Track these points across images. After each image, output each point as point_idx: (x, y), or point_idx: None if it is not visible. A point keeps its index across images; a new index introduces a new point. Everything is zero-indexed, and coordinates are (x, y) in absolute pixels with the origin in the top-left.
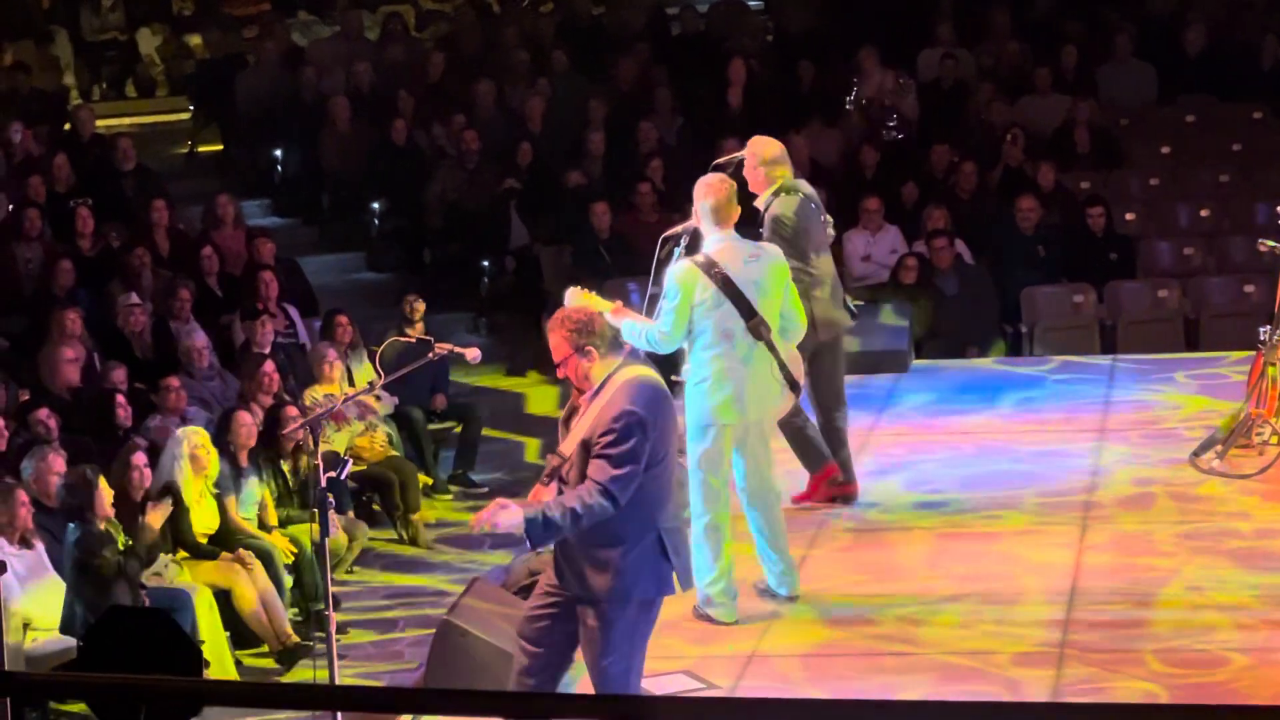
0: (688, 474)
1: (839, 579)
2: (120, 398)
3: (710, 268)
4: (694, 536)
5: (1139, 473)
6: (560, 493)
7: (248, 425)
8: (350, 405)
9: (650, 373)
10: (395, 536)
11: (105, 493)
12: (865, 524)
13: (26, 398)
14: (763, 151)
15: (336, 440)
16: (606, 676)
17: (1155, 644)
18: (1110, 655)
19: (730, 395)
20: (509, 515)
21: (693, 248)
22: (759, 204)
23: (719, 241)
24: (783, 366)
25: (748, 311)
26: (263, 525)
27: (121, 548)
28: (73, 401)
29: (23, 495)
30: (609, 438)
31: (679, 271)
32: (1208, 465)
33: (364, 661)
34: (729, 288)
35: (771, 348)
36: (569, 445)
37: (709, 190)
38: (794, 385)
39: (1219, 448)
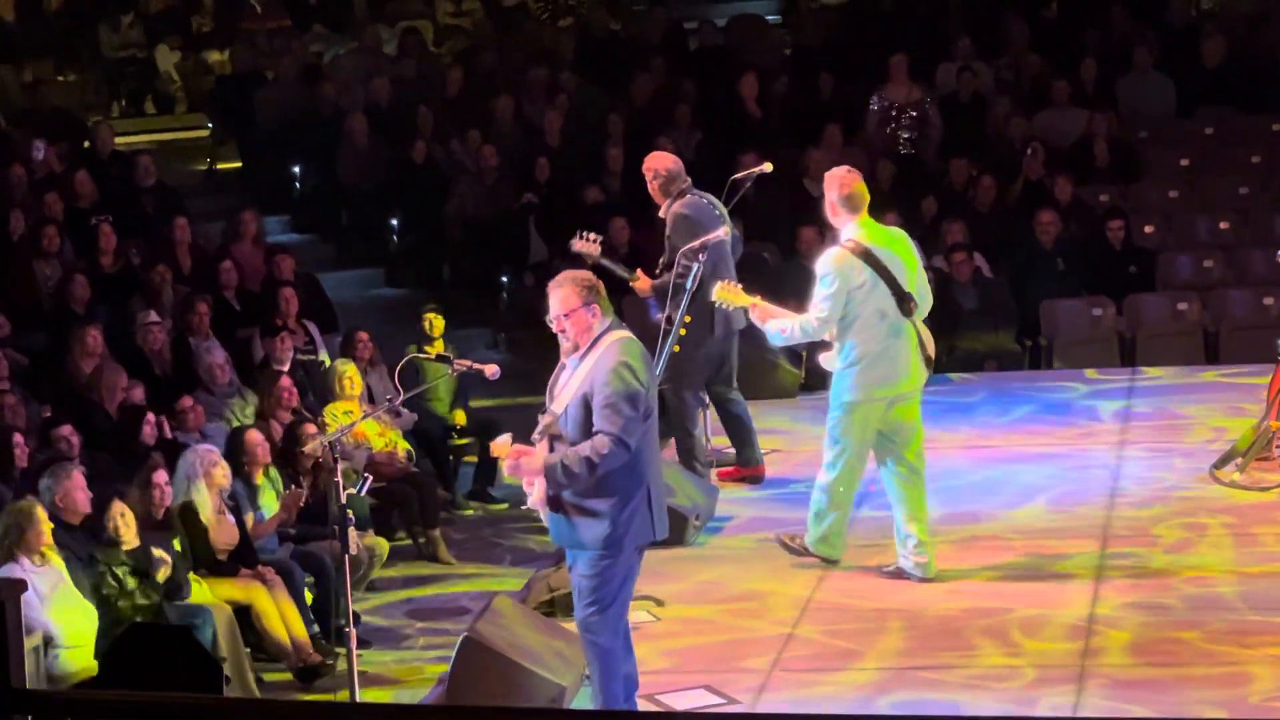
0: (830, 441)
1: (858, 595)
2: (150, 416)
3: (861, 250)
4: (820, 485)
5: (1158, 486)
6: (552, 449)
7: (260, 442)
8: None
9: (631, 335)
10: (415, 552)
11: (128, 516)
12: (881, 541)
13: (49, 414)
14: (659, 166)
15: (365, 426)
16: (587, 624)
17: (1172, 660)
18: (1129, 669)
19: (884, 372)
20: (530, 464)
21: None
22: (662, 213)
23: (859, 227)
24: (922, 342)
25: (899, 291)
26: (282, 541)
27: (132, 585)
28: (103, 420)
29: (42, 513)
30: (610, 389)
31: (834, 259)
32: (1228, 478)
33: (384, 678)
34: (882, 269)
35: (915, 324)
36: (560, 404)
37: (840, 181)
38: (928, 361)
39: (1239, 460)
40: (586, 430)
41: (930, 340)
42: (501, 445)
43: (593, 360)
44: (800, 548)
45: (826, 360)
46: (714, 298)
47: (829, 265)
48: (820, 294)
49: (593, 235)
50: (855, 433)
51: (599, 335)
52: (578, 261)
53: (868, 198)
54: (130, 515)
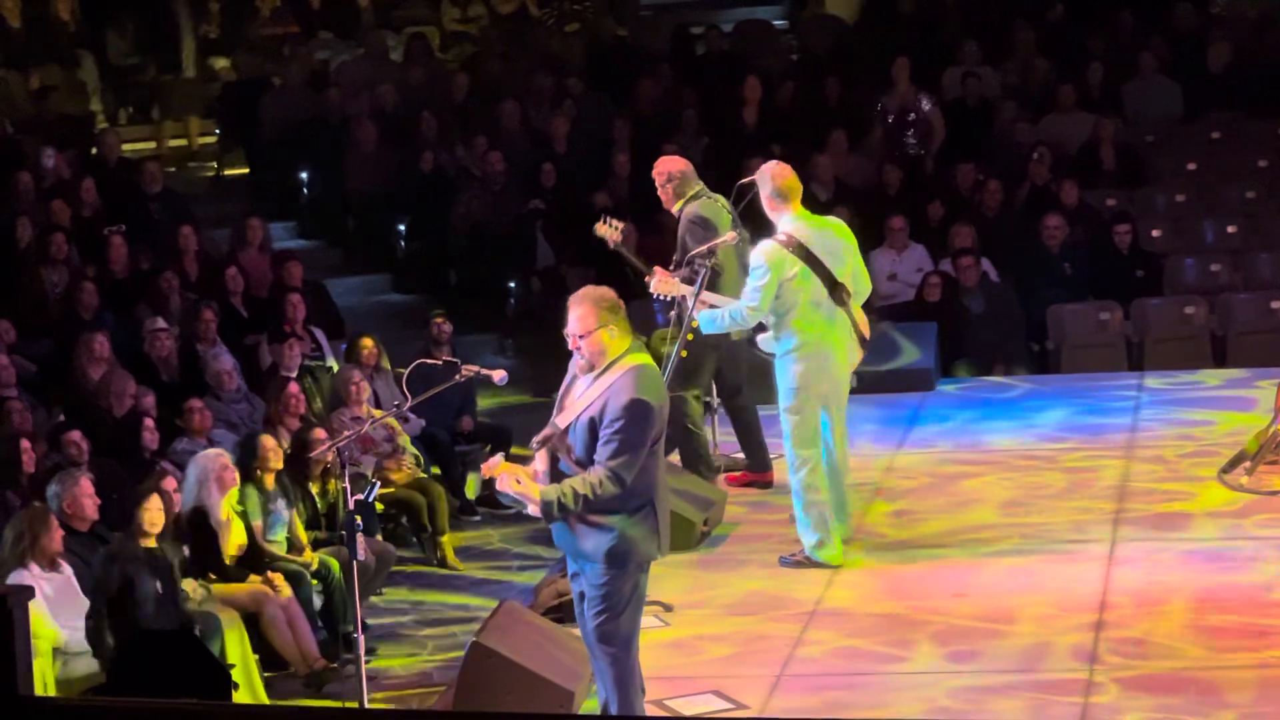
0: (785, 441)
1: (867, 599)
2: (148, 421)
3: (794, 244)
4: (794, 490)
5: (1167, 490)
6: (555, 461)
7: (273, 449)
8: (378, 428)
9: (650, 359)
10: (423, 558)
11: (155, 513)
12: (892, 544)
13: (62, 419)
14: (672, 169)
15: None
16: (602, 634)
17: (1184, 662)
18: (1139, 673)
19: (821, 360)
20: (526, 495)
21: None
22: (673, 211)
23: (794, 219)
24: (856, 326)
25: (830, 281)
26: (293, 547)
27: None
28: (108, 426)
29: (55, 519)
30: (619, 424)
31: (766, 251)
32: (1236, 482)
33: (392, 683)
34: (813, 260)
35: (849, 312)
36: (566, 418)
37: (774, 174)
38: (863, 341)
39: (1247, 464)
40: (592, 450)
41: (864, 322)
42: (492, 467)
43: (606, 384)
44: (803, 559)
45: (764, 342)
46: (652, 289)
47: (761, 258)
48: (751, 285)
49: (616, 221)
50: (802, 421)
51: (616, 359)
52: (588, 262)
53: (800, 188)
54: (160, 516)
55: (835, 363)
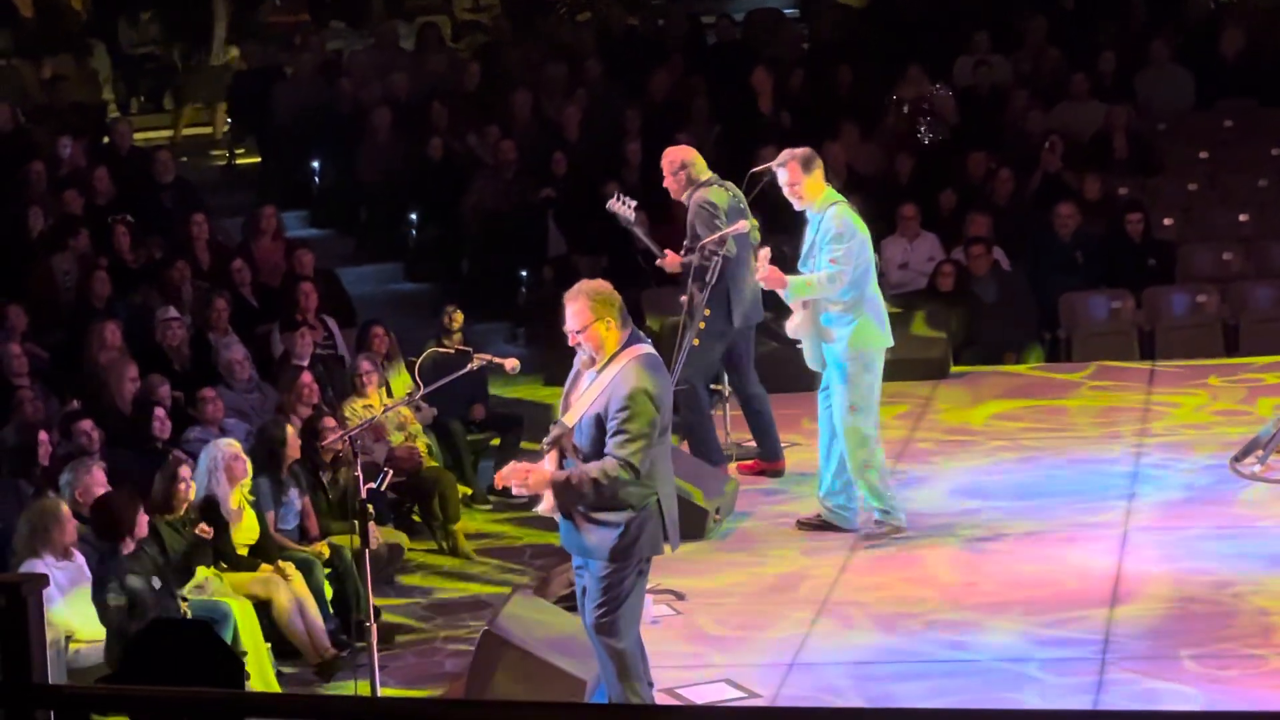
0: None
1: (880, 586)
2: (159, 410)
3: (855, 208)
4: (860, 465)
5: (1179, 478)
6: (562, 459)
7: (292, 438)
8: (390, 416)
9: (651, 348)
10: (435, 547)
11: (142, 517)
12: (905, 531)
13: (78, 406)
14: (685, 157)
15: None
16: (601, 627)
17: (1195, 649)
18: (1150, 661)
19: (884, 322)
20: (537, 481)
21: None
22: (683, 198)
23: (835, 192)
24: None
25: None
26: (304, 536)
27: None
28: (118, 414)
29: (68, 511)
30: (625, 414)
31: (846, 215)
32: (1249, 470)
33: (405, 673)
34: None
35: None
36: (573, 415)
37: (806, 154)
38: None
39: (1260, 453)
40: (599, 445)
41: None
42: (505, 477)
43: (609, 377)
44: (881, 528)
45: (792, 329)
46: (758, 273)
47: (840, 221)
48: (840, 250)
49: (630, 199)
50: (870, 387)
51: (617, 351)
52: (600, 250)
53: None
54: (140, 521)
55: (889, 327)
